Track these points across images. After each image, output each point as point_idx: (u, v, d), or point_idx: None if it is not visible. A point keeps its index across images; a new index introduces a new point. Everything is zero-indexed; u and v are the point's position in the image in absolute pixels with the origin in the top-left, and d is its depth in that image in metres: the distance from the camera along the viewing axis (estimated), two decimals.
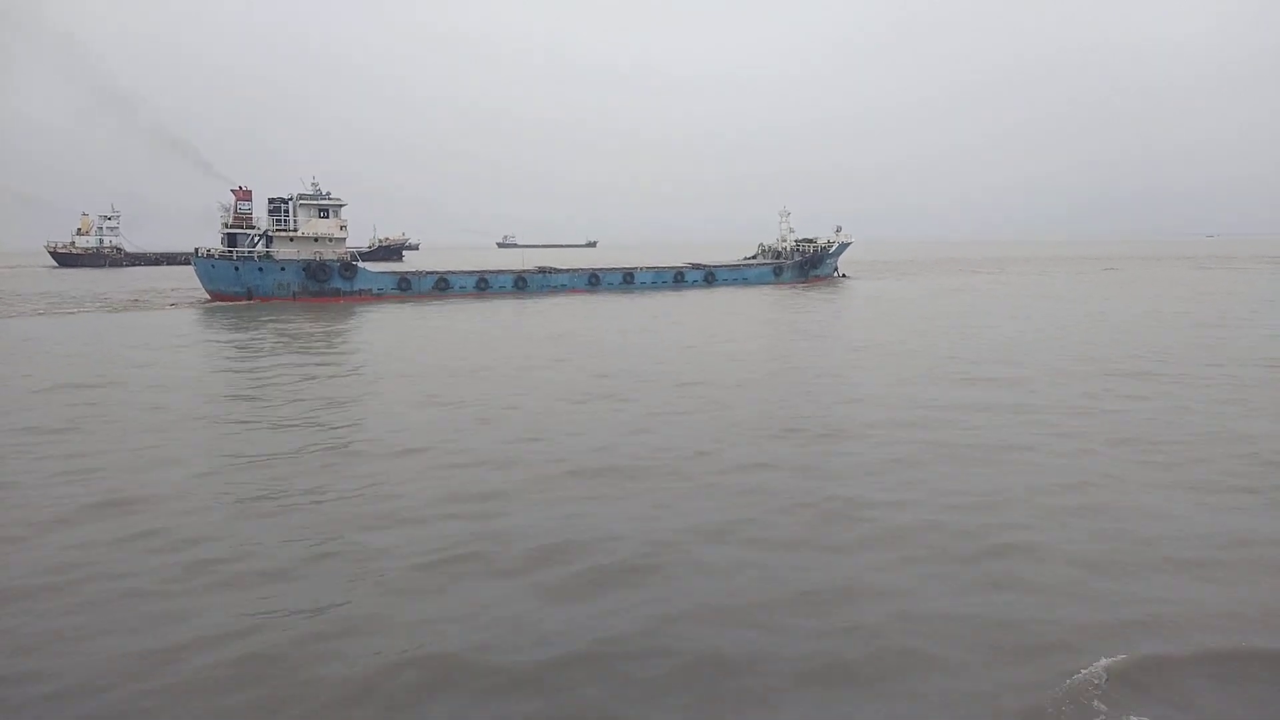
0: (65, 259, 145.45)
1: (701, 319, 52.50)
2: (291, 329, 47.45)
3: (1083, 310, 54.56)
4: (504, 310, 59.45)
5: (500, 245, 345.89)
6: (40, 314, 56.21)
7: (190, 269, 71.83)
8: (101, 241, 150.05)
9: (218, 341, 42.25)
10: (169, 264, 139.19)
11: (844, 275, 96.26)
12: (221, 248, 68.78)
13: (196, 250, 69.20)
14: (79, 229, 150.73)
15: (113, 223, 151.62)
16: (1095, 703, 9.28)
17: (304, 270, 67.85)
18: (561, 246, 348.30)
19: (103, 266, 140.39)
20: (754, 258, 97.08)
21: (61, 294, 74.00)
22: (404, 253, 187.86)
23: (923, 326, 46.02)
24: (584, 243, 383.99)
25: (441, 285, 73.54)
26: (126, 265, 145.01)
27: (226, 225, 69.60)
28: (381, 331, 47.16)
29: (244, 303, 64.99)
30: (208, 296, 67.58)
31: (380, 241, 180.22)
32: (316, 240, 70.09)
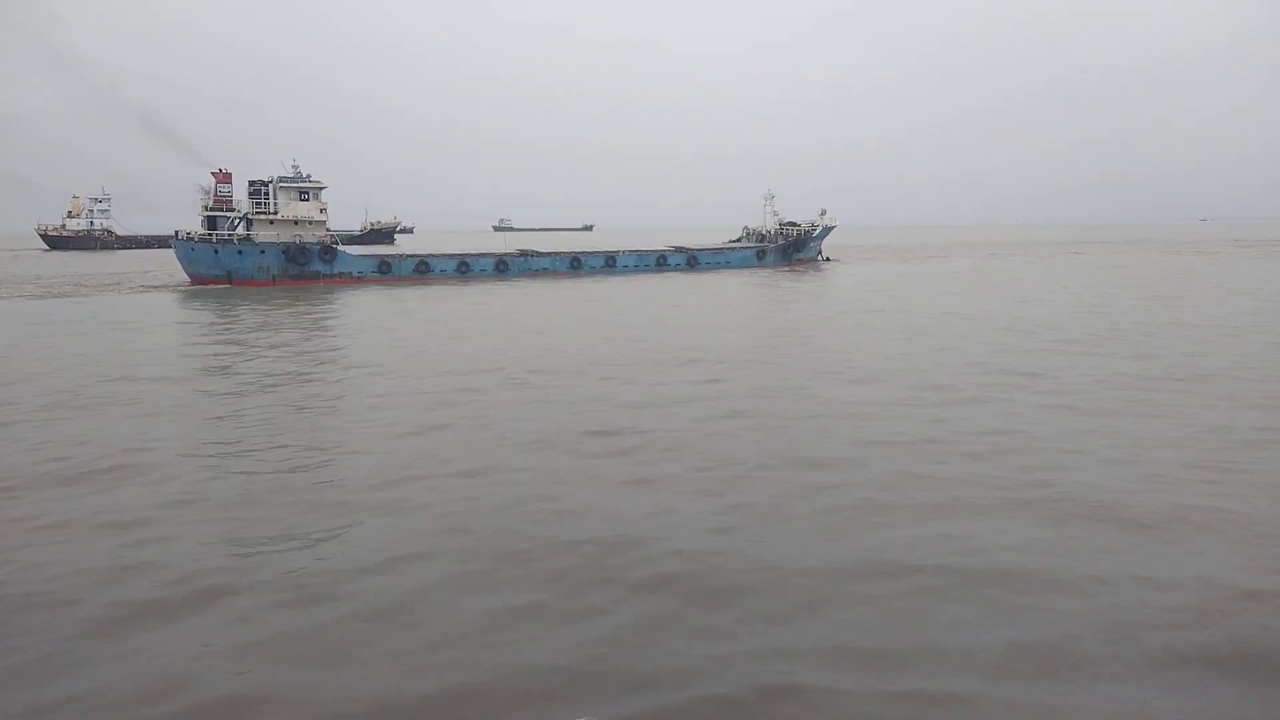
0: (56, 242, 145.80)
1: (681, 305, 52.83)
2: (267, 311, 47.80)
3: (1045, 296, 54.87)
4: (486, 293, 59.75)
5: (496, 229, 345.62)
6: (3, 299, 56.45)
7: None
8: (92, 224, 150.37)
9: (165, 326, 42.58)
10: (160, 247, 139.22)
11: (827, 259, 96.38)
12: (202, 230, 69.00)
13: (176, 233, 69.42)
14: (69, 211, 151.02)
15: (104, 205, 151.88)
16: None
17: (284, 253, 68.04)
18: (558, 230, 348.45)
19: (93, 249, 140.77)
20: (738, 240, 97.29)
21: (23, 275, 74.25)
22: (396, 236, 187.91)
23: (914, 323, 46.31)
24: (580, 226, 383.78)
25: (422, 268, 73.78)
26: (118, 248, 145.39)
27: (207, 208, 69.74)
28: (360, 313, 47.50)
29: (223, 286, 65.36)
30: (188, 279, 67.90)
31: (372, 225, 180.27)
32: (296, 223, 70.25)
